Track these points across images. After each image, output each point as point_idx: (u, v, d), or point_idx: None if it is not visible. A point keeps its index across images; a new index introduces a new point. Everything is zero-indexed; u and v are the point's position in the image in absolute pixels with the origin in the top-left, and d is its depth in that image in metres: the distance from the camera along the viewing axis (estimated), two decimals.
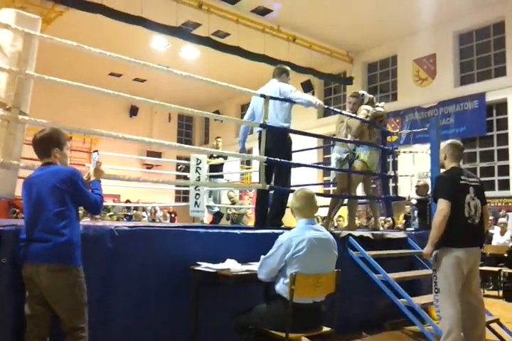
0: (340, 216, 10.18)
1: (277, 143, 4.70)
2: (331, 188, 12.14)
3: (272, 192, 4.88)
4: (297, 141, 5.34)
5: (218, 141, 8.69)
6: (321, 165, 11.58)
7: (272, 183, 4.74)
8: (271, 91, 4.77)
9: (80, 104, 16.99)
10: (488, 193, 3.74)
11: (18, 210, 7.43)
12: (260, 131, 4.72)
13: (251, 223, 10.63)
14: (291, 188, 4.76)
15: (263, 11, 12.57)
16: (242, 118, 5.91)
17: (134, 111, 19.44)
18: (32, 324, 2.45)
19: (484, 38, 12.52)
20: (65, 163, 2.68)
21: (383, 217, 7.65)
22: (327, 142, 9.20)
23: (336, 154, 5.96)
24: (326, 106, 5.29)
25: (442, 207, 3.36)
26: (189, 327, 3.20)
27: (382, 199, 6.53)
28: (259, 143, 4.70)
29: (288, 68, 5.10)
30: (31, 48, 3.10)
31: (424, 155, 6.31)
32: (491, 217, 8.68)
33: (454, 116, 12.65)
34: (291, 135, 4.97)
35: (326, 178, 15.62)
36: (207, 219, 8.47)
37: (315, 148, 13.28)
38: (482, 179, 4.23)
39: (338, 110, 6.04)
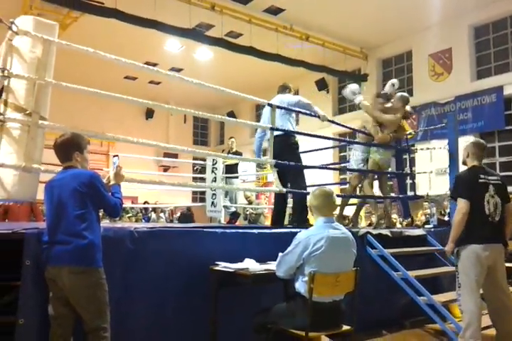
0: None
1: (284, 148, 4.96)
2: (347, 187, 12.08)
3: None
4: (312, 140, 5.39)
5: (232, 141, 8.72)
6: (331, 166, 11.32)
7: (289, 185, 4.97)
8: (277, 103, 5.09)
9: (97, 108, 17.19)
10: (508, 188, 3.72)
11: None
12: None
13: (267, 223, 10.66)
14: (308, 188, 4.90)
15: (275, 10, 12.56)
16: (257, 118, 6.00)
17: (149, 113, 19.62)
18: (56, 324, 2.51)
19: (501, 30, 12.27)
20: (85, 166, 2.74)
21: (396, 216, 7.61)
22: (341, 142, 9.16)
23: (359, 153, 5.97)
24: (329, 120, 5.62)
25: (461, 205, 3.46)
26: (208, 327, 3.22)
27: (397, 199, 6.46)
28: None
29: (291, 85, 5.51)
30: (50, 54, 3.16)
31: (441, 151, 6.23)
32: None
33: (471, 110, 12.45)
34: (301, 137, 5.31)
35: (342, 177, 15.53)
36: (224, 219, 8.50)
37: (330, 148, 13.22)
38: (502, 174, 4.19)
39: (343, 124, 6.14)
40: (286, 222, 5.81)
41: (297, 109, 5.13)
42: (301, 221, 4.89)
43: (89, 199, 2.55)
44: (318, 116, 5.23)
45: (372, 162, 5.79)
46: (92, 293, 2.48)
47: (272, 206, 10.68)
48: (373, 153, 5.79)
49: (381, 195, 5.96)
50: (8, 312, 2.65)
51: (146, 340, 3.08)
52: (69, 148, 2.67)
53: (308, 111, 5.24)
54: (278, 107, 4.91)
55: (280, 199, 5.22)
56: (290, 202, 5.61)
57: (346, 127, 5.91)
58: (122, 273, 2.99)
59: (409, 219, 7.06)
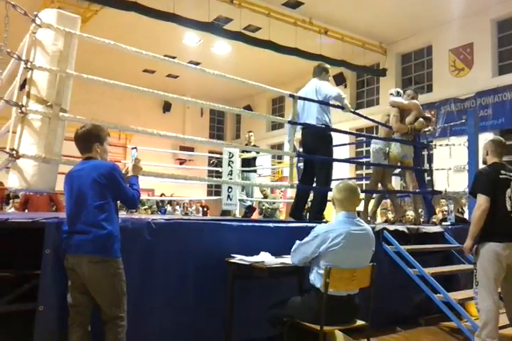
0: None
1: (317, 140, 4.85)
2: (364, 182, 12.00)
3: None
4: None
5: (250, 135, 8.71)
6: (360, 160, 11.34)
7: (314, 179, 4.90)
8: (310, 92, 4.92)
9: (115, 101, 17.37)
10: None
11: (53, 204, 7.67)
12: (303, 129, 4.94)
13: (282, 217, 10.67)
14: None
15: (294, 4, 12.47)
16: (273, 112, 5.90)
17: (167, 106, 19.72)
18: (74, 312, 2.56)
19: None
20: (105, 158, 2.78)
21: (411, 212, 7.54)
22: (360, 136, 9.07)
23: (380, 146, 5.92)
24: (353, 111, 5.34)
25: (481, 202, 3.40)
26: (224, 318, 3.25)
27: (416, 193, 6.38)
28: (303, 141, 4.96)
29: (327, 66, 5.19)
30: (71, 47, 3.19)
31: (461, 148, 6.15)
32: None
33: (492, 107, 12.22)
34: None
35: (358, 172, 15.44)
36: (239, 212, 8.53)
37: (349, 144, 13.14)
38: None
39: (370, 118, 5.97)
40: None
41: (330, 102, 4.92)
42: (316, 216, 4.86)
43: (109, 191, 2.58)
44: (342, 108, 4.97)
45: (392, 156, 5.76)
46: (111, 283, 2.52)
47: (287, 200, 10.68)
48: (392, 147, 5.76)
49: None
50: (29, 300, 2.72)
51: (162, 330, 3.12)
52: (89, 139, 2.71)
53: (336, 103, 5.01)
54: (300, 98, 4.75)
55: (301, 193, 5.08)
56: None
57: (369, 119, 5.83)
58: (140, 263, 3.03)
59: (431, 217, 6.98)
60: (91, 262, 2.48)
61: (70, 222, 2.59)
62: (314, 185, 5.03)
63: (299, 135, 5.12)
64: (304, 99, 4.82)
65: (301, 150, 5.20)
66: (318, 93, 4.85)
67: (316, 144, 4.86)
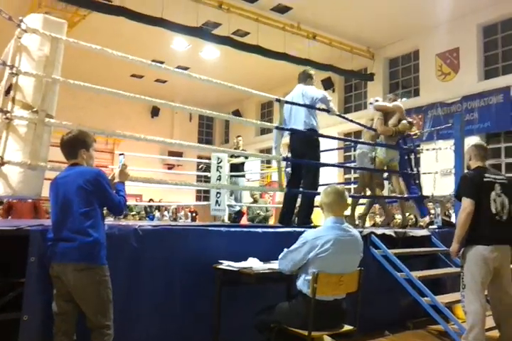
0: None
1: (305, 144, 4.88)
2: (352, 186, 12.06)
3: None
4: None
5: (239, 140, 8.71)
6: (347, 165, 11.40)
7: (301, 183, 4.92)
8: (296, 96, 4.97)
9: (103, 106, 17.28)
10: None
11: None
12: (291, 134, 4.98)
13: (272, 222, 10.65)
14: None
15: (283, 9, 12.54)
16: (262, 117, 5.91)
17: (155, 111, 19.68)
18: (59, 321, 2.53)
19: (509, 30, 12.19)
20: (91, 164, 2.75)
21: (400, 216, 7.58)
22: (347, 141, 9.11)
23: (364, 150, 5.98)
24: (338, 114, 5.35)
25: (465, 205, 3.43)
26: (211, 324, 3.24)
27: (404, 199, 6.42)
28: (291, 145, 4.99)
29: (312, 71, 5.25)
30: (58, 52, 3.17)
31: (447, 152, 6.21)
32: None
33: (478, 111, 12.38)
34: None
35: (346, 176, 15.51)
36: (227, 217, 8.51)
37: (337, 149, 13.19)
38: (507, 175, 4.18)
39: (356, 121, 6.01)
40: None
41: (316, 106, 4.95)
42: (304, 220, 4.86)
43: (95, 197, 2.56)
44: (328, 111, 5.02)
45: (379, 161, 5.81)
46: (96, 290, 2.50)
47: (276, 205, 10.68)
48: (378, 152, 5.81)
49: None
50: (13, 309, 2.68)
51: (149, 336, 3.09)
52: (75, 145, 2.68)
53: (324, 107, 5.06)
54: (289, 102, 4.80)
55: (289, 198, 5.11)
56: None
57: (354, 122, 5.88)
58: (126, 270, 3.01)
59: (414, 219, 7.05)
60: (76, 270, 2.45)
61: (55, 229, 2.56)
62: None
63: (286, 140, 5.15)
64: (291, 103, 4.86)
65: (289, 155, 5.22)
66: (304, 97, 4.89)
67: (304, 149, 4.89)
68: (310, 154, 4.86)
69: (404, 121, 5.85)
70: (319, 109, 5.01)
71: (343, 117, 5.77)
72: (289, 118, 4.98)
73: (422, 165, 10.10)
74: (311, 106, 4.87)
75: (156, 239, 3.19)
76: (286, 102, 4.81)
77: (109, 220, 6.36)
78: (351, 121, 5.83)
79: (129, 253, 3.04)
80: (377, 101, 6.10)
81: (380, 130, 5.72)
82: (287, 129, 4.90)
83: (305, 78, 5.13)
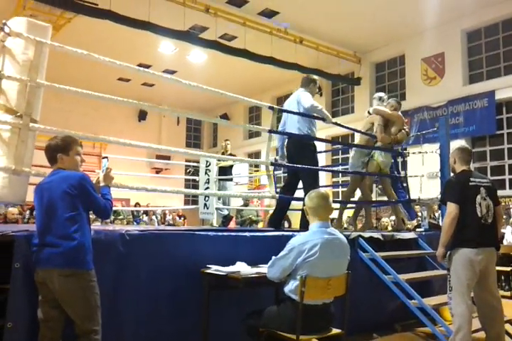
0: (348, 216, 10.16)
1: (299, 149, 4.88)
2: (340, 189, 12.11)
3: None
4: None
5: (227, 143, 8.70)
6: (339, 170, 11.39)
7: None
8: (292, 102, 5.01)
9: (90, 109, 17.14)
10: (498, 192, 3.77)
11: None
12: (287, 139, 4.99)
13: (261, 226, 10.65)
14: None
15: (270, 13, 12.59)
16: (250, 121, 5.93)
17: (142, 115, 19.58)
18: (45, 328, 2.49)
19: (493, 35, 12.41)
20: (74, 168, 2.70)
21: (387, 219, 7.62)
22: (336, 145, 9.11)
23: (359, 155, 5.95)
24: (334, 122, 5.30)
25: (450, 209, 3.48)
26: (200, 330, 3.22)
27: (392, 203, 6.45)
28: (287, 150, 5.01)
29: (315, 77, 5.24)
30: (42, 56, 3.14)
31: (433, 155, 6.26)
32: (504, 216, 8.62)
33: (463, 114, 12.55)
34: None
35: (334, 179, 15.57)
36: (216, 221, 8.49)
37: (325, 151, 13.20)
38: (492, 178, 4.26)
39: (346, 126, 6.00)
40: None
41: (309, 113, 4.93)
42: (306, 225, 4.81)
43: (79, 201, 2.54)
44: (323, 119, 4.98)
45: (375, 164, 5.80)
46: (83, 296, 2.47)
47: (265, 209, 10.65)
48: (376, 155, 5.82)
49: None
50: None
51: None
52: (53, 150, 2.66)
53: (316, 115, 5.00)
54: (282, 110, 4.87)
55: (282, 202, 5.07)
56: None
57: (350, 128, 5.89)
58: (113, 275, 2.98)
59: (413, 221, 7.08)
60: (62, 275, 2.42)
61: (40, 234, 2.53)
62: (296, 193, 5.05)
63: (274, 144, 5.14)
64: (283, 110, 4.89)
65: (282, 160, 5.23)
66: (299, 103, 4.91)
67: (300, 154, 4.88)
68: (306, 159, 4.81)
69: (403, 132, 5.90)
70: (313, 117, 4.96)
71: (340, 125, 5.75)
72: (285, 123, 5.04)
73: (409, 168, 10.18)
74: (302, 114, 4.88)
75: (143, 244, 3.17)
76: (280, 110, 4.81)
77: (97, 225, 6.31)
78: (347, 127, 5.84)
79: (116, 258, 3.01)
80: (380, 98, 6.08)
81: (379, 138, 5.73)
82: (280, 132, 4.91)
83: (307, 83, 5.10)
